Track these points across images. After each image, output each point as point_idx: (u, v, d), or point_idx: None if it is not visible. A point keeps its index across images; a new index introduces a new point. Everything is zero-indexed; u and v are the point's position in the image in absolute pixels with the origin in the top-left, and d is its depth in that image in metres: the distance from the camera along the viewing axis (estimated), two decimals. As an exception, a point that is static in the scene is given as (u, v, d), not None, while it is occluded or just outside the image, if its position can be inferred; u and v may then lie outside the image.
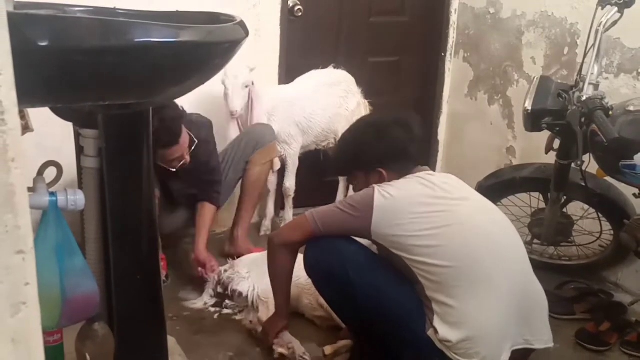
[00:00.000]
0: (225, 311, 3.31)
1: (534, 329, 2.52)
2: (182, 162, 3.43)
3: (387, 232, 2.45)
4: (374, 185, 2.52)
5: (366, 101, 4.35)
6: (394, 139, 2.65)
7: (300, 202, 4.53)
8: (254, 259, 3.39)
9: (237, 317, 3.26)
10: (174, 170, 3.43)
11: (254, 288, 3.20)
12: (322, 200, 4.65)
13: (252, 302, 3.18)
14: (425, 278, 2.40)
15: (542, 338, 2.54)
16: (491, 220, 2.57)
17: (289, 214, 4.32)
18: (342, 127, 4.06)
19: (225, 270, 3.36)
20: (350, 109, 4.26)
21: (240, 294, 3.23)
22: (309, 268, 2.69)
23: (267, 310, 3.03)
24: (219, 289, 3.36)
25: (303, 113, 4.10)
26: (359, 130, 2.82)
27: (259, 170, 3.85)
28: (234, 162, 3.81)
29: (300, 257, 2.71)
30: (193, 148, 3.46)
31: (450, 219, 2.44)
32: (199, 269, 3.54)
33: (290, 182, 4.23)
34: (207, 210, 3.67)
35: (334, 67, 4.29)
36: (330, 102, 4.21)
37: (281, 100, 4.05)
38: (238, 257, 3.62)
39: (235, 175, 3.85)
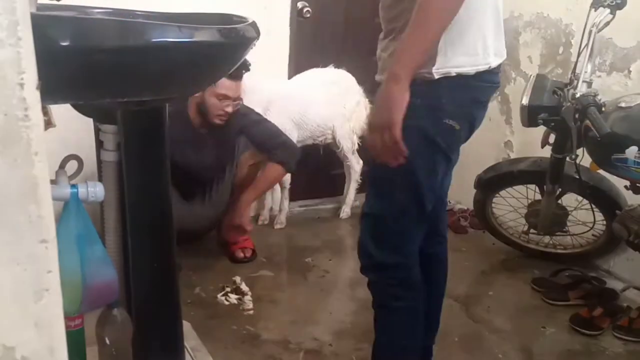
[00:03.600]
0: (234, 296, 3.33)
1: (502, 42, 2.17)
2: (226, 116, 3.46)
3: None
4: None
5: (367, 100, 4.33)
6: None
7: (302, 195, 4.55)
8: None
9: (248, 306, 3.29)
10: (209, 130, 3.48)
11: None
12: (324, 193, 4.71)
13: None
14: None
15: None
16: None
17: (284, 204, 4.35)
18: (339, 124, 4.28)
19: None
20: (348, 106, 4.29)
21: None
22: None
23: None
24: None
25: (298, 109, 4.10)
26: None
27: (246, 173, 3.74)
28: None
29: None
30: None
31: None
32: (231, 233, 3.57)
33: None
34: (269, 168, 3.63)
35: (334, 66, 4.28)
36: (327, 99, 4.20)
37: (277, 95, 4.05)
38: (222, 241, 3.76)
39: (230, 174, 3.76)
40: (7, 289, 0.87)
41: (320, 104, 4.18)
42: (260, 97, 3.95)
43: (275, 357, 2.88)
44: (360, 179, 4.49)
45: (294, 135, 4.07)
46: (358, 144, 4.40)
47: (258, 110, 3.85)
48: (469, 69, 2.00)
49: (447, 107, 2.02)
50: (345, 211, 4.57)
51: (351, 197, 4.57)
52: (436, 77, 1.97)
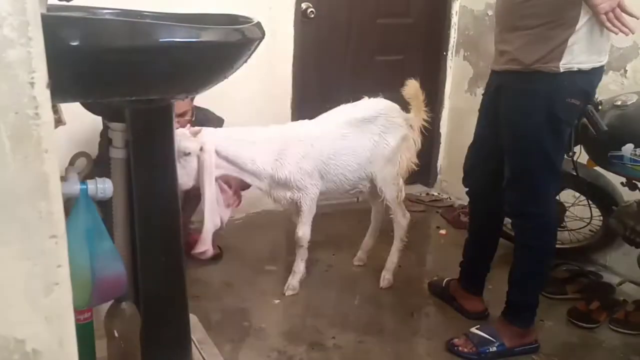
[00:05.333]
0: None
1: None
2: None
3: None
4: None
5: (417, 133, 3.47)
6: None
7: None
8: None
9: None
10: None
11: None
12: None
13: None
14: None
15: None
16: None
17: (299, 267, 3.40)
18: (379, 168, 3.36)
19: None
20: (392, 144, 3.35)
21: None
22: None
23: None
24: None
25: (320, 156, 3.20)
26: None
27: None
28: None
29: None
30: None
31: None
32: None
33: (303, 231, 3.30)
34: None
35: (369, 97, 3.45)
36: (360, 142, 3.29)
37: (294, 138, 3.18)
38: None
39: None
40: (18, 283, 0.87)
41: (351, 151, 3.27)
42: (272, 141, 3.16)
43: (280, 349, 2.88)
44: (406, 238, 3.58)
45: (317, 187, 3.26)
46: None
47: (270, 157, 3.11)
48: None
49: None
50: (387, 278, 3.55)
51: (394, 260, 3.58)
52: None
